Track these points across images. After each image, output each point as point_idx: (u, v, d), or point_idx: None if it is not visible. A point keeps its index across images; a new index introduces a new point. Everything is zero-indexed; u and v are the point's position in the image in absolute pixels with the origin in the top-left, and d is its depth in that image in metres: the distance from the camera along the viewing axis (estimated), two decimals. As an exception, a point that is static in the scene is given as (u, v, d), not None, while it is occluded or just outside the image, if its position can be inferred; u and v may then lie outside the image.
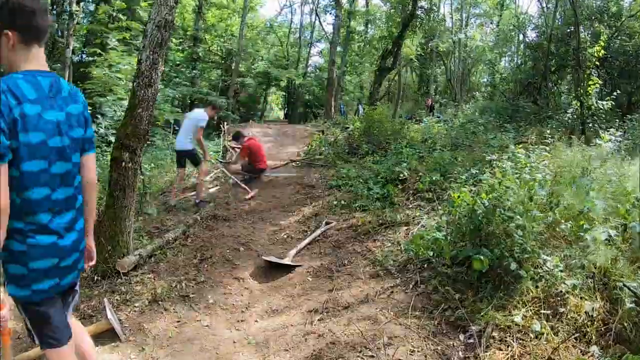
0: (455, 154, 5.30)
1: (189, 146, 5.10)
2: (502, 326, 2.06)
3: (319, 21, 26.11)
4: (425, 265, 2.88)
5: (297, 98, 25.55)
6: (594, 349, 1.83)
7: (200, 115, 5.13)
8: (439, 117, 11.76)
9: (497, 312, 2.13)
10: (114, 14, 7.51)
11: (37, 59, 1.29)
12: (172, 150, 9.12)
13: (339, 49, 18.73)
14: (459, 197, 2.78)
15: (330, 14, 23.74)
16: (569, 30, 9.97)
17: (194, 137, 5.06)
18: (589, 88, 6.78)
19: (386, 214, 4.01)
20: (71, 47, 11.05)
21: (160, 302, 2.77)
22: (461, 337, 2.11)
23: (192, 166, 5.47)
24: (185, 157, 5.18)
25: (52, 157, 1.28)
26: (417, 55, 20.35)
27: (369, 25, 23.15)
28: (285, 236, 4.02)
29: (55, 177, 1.30)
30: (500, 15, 24.51)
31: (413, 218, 3.82)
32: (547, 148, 4.25)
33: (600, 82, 7.33)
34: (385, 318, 2.37)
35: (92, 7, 16.45)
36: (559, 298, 2.12)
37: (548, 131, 6.03)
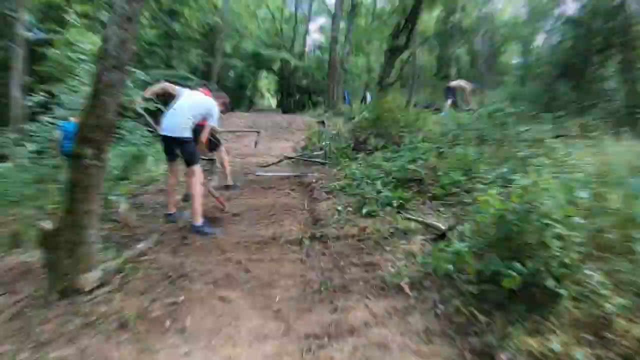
0: (481, 149, 5.31)
1: (186, 133, 4.47)
2: (536, 354, 2.06)
3: (319, -9, 26.20)
4: (446, 282, 2.88)
5: (292, 83, 25.60)
6: (646, 381, 1.83)
7: (211, 104, 4.73)
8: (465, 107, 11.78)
9: (530, 338, 2.13)
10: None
11: None
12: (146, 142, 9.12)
13: (342, 24, 18.76)
14: (485, 200, 2.78)
15: (332, -18, 23.79)
16: (616, 3, 9.99)
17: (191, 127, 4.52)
18: (640, 71, 6.79)
19: (398, 221, 4.01)
20: (24, 23, 11.07)
21: (129, 325, 2.77)
22: (488, 367, 2.11)
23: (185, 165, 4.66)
24: (180, 149, 4.55)
25: None
26: (436, 32, 20.36)
27: (379, -3, 23.20)
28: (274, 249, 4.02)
29: None
30: (535, -15, 24.55)
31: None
32: (590, 143, 4.26)
33: (653, 64, 7.34)
34: (397, 345, 2.37)
35: (48, -25, 16.47)
36: (604, 320, 2.12)
37: (591, 122, 6.04)
